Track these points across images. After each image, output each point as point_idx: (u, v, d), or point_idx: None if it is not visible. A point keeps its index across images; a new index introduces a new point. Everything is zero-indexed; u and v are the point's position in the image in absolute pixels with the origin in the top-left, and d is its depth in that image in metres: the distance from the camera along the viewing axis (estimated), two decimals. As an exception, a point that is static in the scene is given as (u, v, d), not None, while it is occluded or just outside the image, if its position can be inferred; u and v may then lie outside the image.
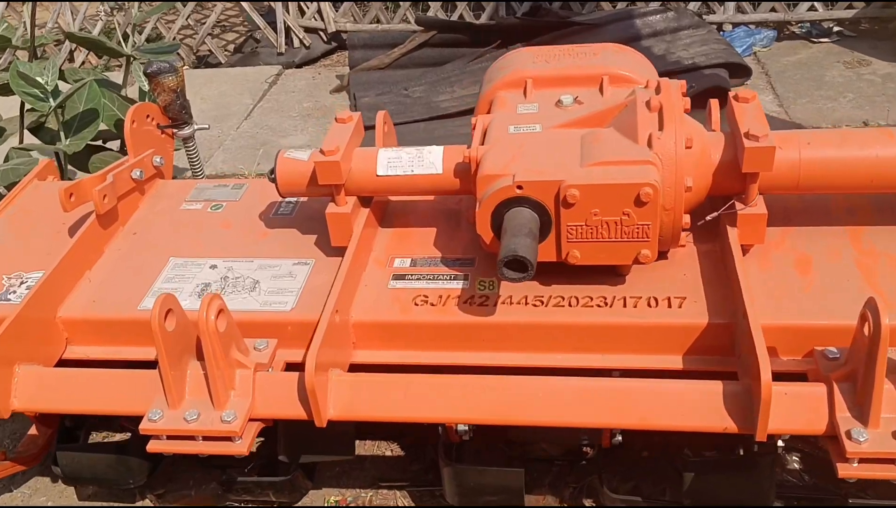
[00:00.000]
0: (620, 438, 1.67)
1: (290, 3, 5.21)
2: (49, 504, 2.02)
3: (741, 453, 1.57)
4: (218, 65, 5.42)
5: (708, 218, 1.55)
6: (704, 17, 4.49)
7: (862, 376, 1.25)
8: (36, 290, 1.63)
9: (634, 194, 1.39)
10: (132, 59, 2.76)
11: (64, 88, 2.53)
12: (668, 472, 1.94)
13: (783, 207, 1.66)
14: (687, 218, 1.48)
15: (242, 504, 1.97)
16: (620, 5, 4.76)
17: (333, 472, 2.14)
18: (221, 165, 3.76)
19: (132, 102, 2.66)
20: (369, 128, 3.46)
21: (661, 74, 3.62)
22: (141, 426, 1.45)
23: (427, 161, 1.64)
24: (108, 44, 2.63)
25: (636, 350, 1.50)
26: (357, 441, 2.27)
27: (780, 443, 1.52)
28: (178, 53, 5.36)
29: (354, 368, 1.59)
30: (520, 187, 1.44)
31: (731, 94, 1.59)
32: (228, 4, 5.82)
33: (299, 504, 1.96)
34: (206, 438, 1.44)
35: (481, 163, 1.53)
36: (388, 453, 2.20)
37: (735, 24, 4.58)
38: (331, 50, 5.22)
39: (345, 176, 1.62)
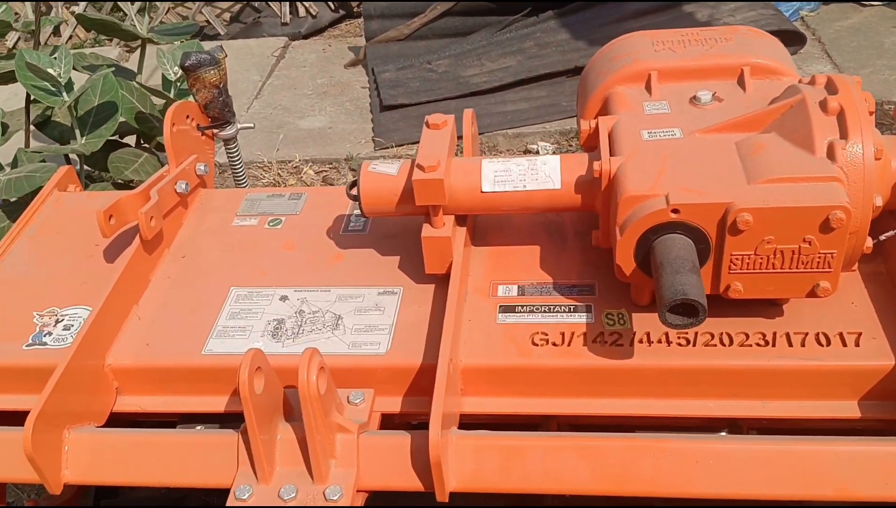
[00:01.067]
0: None
1: (293, -32, 4.88)
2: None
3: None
4: (216, 36, 5.08)
5: (882, 237, 1.32)
6: (745, -21, 4.23)
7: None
8: (84, 334, 1.37)
9: (822, 218, 1.15)
10: (149, 42, 2.46)
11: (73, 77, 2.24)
12: None
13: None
14: (870, 242, 1.25)
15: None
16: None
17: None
18: (238, 151, 3.47)
19: (154, 91, 2.38)
20: (397, 106, 3.14)
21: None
22: (228, 505, 1.21)
23: (542, 174, 1.39)
24: (122, 25, 2.34)
25: (804, 397, 1.28)
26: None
27: None
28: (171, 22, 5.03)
29: (464, 418, 1.36)
30: (676, 211, 1.19)
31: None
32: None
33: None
34: (305, 517, 1.21)
35: (619, 179, 1.28)
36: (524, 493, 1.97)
37: (777, -13, 4.32)
38: (339, 19, 4.90)
39: (448, 195, 1.37)
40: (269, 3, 4.88)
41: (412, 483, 1.21)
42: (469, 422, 1.32)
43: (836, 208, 1.14)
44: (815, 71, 3.43)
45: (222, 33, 5.05)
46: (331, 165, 3.09)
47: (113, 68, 2.19)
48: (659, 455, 1.18)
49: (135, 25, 2.38)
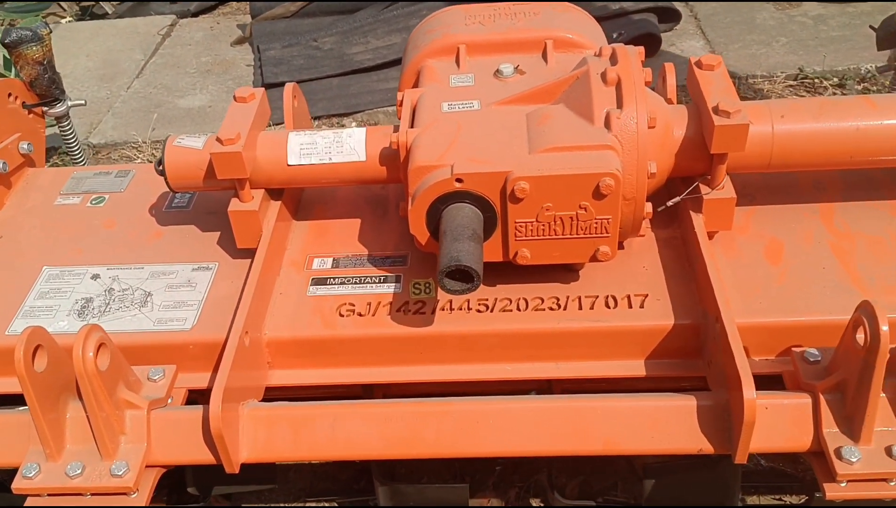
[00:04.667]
0: None
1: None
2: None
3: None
4: (104, 16, 4.91)
5: (669, 204, 1.38)
6: (628, -43, 4.29)
7: (854, 388, 1.10)
8: None
9: (593, 185, 1.19)
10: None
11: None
12: (619, 466, 1.81)
13: (744, 183, 1.49)
14: (649, 207, 1.30)
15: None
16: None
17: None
18: (112, 131, 3.38)
19: (-5, 70, 2.30)
20: (278, 84, 3.12)
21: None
22: (14, 486, 1.19)
23: (347, 147, 1.40)
24: (-40, 1, 2.23)
25: (594, 357, 1.33)
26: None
27: None
28: (57, 9, 4.85)
29: (271, 391, 1.37)
30: (459, 181, 1.22)
31: (692, 59, 1.39)
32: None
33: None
34: (95, 494, 1.20)
35: (412, 150, 1.29)
36: (315, 461, 1.99)
37: (659, -35, 4.40)
38: (230, -4, 4.80)
39: (249, 168, 1.36)
40: (158, -21, 4.76)
41: (203, 456, 1.21)
42: (297, 397, 1.33)
43: (605, 175, 1.18)
44: (687, 47, 3.52)
45: (110, 12, 4.89)
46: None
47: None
48: (443, 417, 1.21)
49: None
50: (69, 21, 4.94)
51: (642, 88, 1.26)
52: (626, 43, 3.32)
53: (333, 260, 1.47)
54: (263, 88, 1.49)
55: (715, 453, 1.17)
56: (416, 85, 1.52)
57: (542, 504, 1.74)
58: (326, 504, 1.85)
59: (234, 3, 4.79)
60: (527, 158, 1.22)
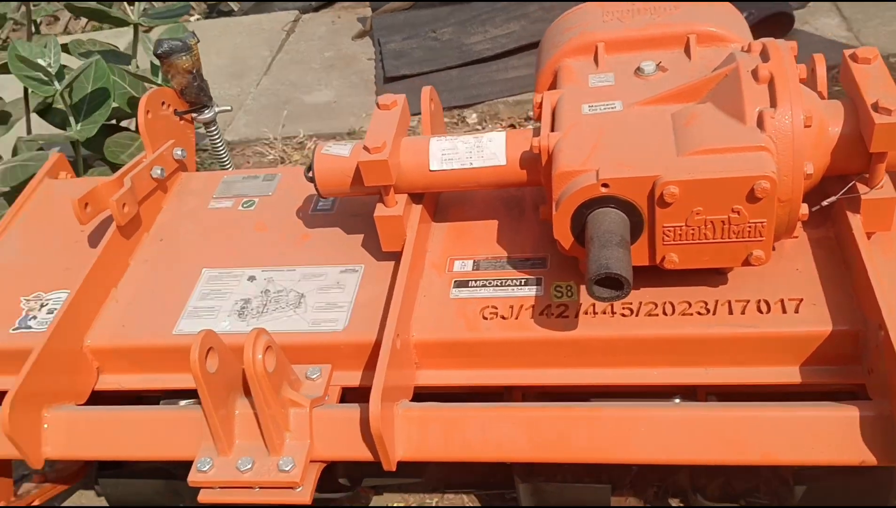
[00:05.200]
0: None
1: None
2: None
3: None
4: (230, 13, 5.12)
5: (824, 203, 1.32)
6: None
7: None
8: (60, 318, 1.46)
9: (747, 188, 1.16)
10: (139, 27, 2.52)
11: (68, 62, 2.31)
12: (761, 468, 1.77)
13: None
14: (805, 208, 1.25)
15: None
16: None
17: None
18: (244, 128, 3.54)
19: (141, 77, 2.44)
20: (403, 78, 3.19)
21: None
22: (190, 479, 1.29)
23: (488, 152, 1.41)
24: (111, 12, 2.39)
25: (744, 363, 1.30)
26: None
27: None
28: (190, 14, 5.09)
29: (419, 390, 1.41)
30: (605, 186, 1.22)
31: (846, 53, 1.33)
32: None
33: (360, 509, 1.83)
34: (263, 487, 1.28)
35: (555, 155, 1.30)
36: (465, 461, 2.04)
37: (787, -65, 4.18)
38: (348, -11, 4.90)
39: (394, 175, 1.40)
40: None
41: (363, 453, 1.27)
42: (440, 394, 1.37)
43: (760, 177, 1.15)
44: (822, 24, 3.34)
45: (236, 9, 5.09)
46: (334, 140, 3.14)
47: (97, 57, 2.25)
48: (594, 423, 1.22)
49: (125, 11, 2.44)
50: (198, 19, 5.19)
51: (797, 85, 1.22)
52: (757, 23, 3.19)
53: (474, 262, 1.50)
54: (404, 96, 1.52)
55: (878, 465, 1.13)
56: (553, 86, 1.52)
57: (681, 505, 1.73)
58: (465, 496, 1.89)
59: (353, -3, 4.90)
60: (676, 162, 1.21)
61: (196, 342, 1.21)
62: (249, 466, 1.27)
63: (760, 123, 1.21)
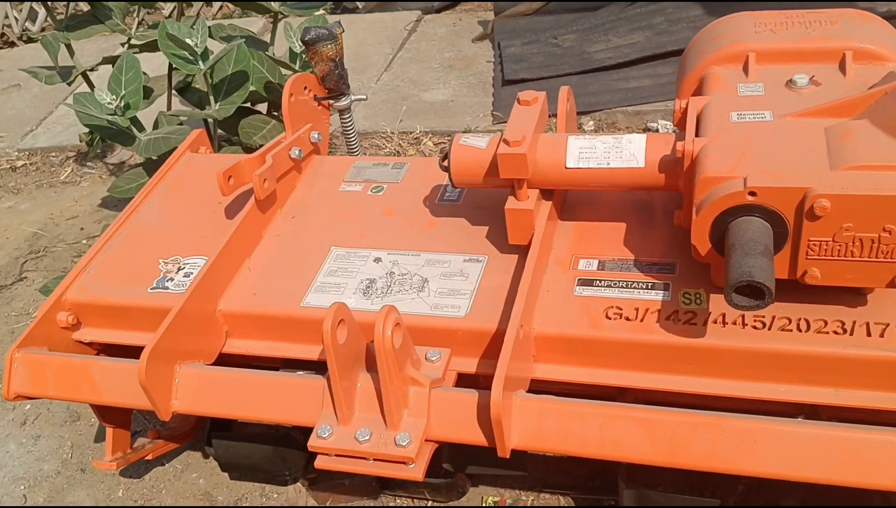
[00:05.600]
0: None
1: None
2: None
3: None
4: (355, 10, 5.27)
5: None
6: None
7: None
8: (199, 282, 1.53)
9: (903, 208, 1.12)
10: (280, 15, 2.63)
11: (211, 45, 2.43)
12: (874, 499, 1.69)
13: None
14: (960, 233, 1.20)
15: (396, 498, 1.88)
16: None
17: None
18: (363, 121, 3.63)
19: (281, 62, 2.54)
20: (518, 81, 3.23)
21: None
22: (310, 444, 1.34)
23: (627, 153, 1.41)
24: (258, -1, 2.50)
25: (878, 387, 1.25)
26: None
27: None
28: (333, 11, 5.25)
29: (534, 383, 1.42)
30: (752, 194, 1.19)
31: None
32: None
33: (455, 503, 1.85)
34: (377, 459, 1.32)
35: (700, 159, 1.29)
36: (552, 454, 2.03)
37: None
38: (471, -7, 4.97)
39: (531, 169, 1.42)
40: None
41: (477, 437, 1.29)
42: (551, 390, 1.38)
43: (919, 198, 1.11)
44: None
45: (360, 6, 5.24)
46: (449, 137, 3.18)
47: (243, 40, 2.35)
48: (716, 431, 1.20)
49: (269, -1, 2.55)
50: (322, 14, 5.36)
51: (965, 106, 1.17)
52: None
53: (599, 262, 1.50)
54: (545, 93, 1.54)
55: None
56: (697, 92, 1.50)
57: (788, 531, 1.67)
58: (561, 497, 1.89)
59: (475, 0, 4.96)
60: (829, 175, 1.17)
61: (329, 314, 1.25)
62: (367, 437, 1.30)
63: (922, 143, 1.16)
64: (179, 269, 1.69)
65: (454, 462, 1.63)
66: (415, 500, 1.89)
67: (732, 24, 1.53)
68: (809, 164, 1.20)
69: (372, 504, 1.88)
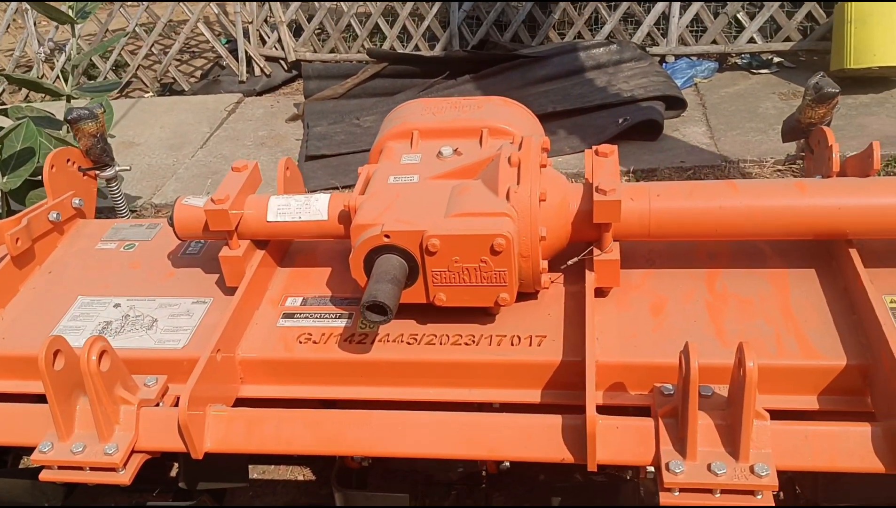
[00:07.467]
0: (508, 465, 1.80)
1: (251, 31, 5.35)
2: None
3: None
4: (182, 92, 5.54)
5: (569, 263, 1.67)
6: (648, 49, 4.64)
7: (681, 412, 1.36)
8: (-55, 329, 1.73)
9: (489, 243, 1.50)
10: (71, 98, 2.87)
11: (7, 125, 2.64)
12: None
13: (649, 250, 1.78)
14: (545, 264, 1.59)
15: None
16: (568, 38, 4.91)
17: (246, 497, 2.24)
18: (172, 194, 3.87)
19: (67, 142, 2.77)
20: (319, 157, 3.59)
21: (600, 107, 3.77)
22: (32, 457, 1.54)
23: (314, 208, 1.75)
24: (45, 84, 2.74)
25: (499, 385, 1.61)
26: (272, 466, 2.38)
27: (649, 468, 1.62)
28: (141, 85, 5.48)
29: (243, 401, 1.69)
30: (387, 236, 1.55)
31: (591, 149, 1.70)
32: (193, 32, 5.94)
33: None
34: (92, 468, 1.54)
35: (357, 212, 1.64)
36: (300, 478, 2.30)
37: (677, 56, 4.73)
38: (291, 78, 5.36)
39: (234, 223, 1.73)
40: (229, 63, 5.35)
41: (177, 444, 1.54)
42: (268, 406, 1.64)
43: (497, 235, 1.49)
44: (689, 132, 3.80)
45: (186, 89, 5.51)
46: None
47: (27, 119, 2.58)
48: (362, 425, 1.51)
49: (61, 84, 2.79)
50: (150, 96, 5.59)
51: (537, 169, 1.58)
52: (631, 127, 3.63)
53: (303, 299, 1.81)
54: (256, 162, 1.87)
55: (574, 462, 1.43)
56: (377, 161, 1.87)
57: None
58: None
59: (295, 84, 5.35)
60: (440, 221, 1.55)
61: (44, 345, 1.49)
62: (81, 449, 1.53)
63: (508, 196, 1.56)
64: (-65, 320, 1.86)
65: (187, 480, 1.86)
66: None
67: (406, 108, 1.92)
68: (430, 213, 1.58)
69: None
